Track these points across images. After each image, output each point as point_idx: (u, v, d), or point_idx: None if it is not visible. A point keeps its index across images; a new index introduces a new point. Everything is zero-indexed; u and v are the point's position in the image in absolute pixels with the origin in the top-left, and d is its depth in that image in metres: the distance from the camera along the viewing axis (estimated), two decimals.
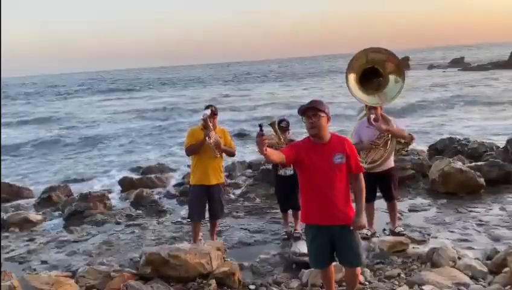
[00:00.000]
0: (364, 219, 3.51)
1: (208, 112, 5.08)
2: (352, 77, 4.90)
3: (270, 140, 5.35)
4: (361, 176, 3.54)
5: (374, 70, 4.91)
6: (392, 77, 4.89)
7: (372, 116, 5.12)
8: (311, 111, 3.38)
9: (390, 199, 5.47)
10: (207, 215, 5.53)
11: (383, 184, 5.38)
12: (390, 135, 5.15)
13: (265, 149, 3.12)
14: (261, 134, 3.05)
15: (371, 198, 5.42)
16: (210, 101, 30.85)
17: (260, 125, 3.08)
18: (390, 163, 5.33)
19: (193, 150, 5.20)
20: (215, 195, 5.31)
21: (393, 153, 5.34)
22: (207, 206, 5.40)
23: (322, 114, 3.37)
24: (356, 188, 3.54)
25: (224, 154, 5.40)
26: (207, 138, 5.05)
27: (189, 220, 5.85)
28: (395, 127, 5.17)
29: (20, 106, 37.37)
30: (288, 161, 3.45)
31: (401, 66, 4.99)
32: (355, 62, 4.89)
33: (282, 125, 5.37)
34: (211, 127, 5.09)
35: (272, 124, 5.18)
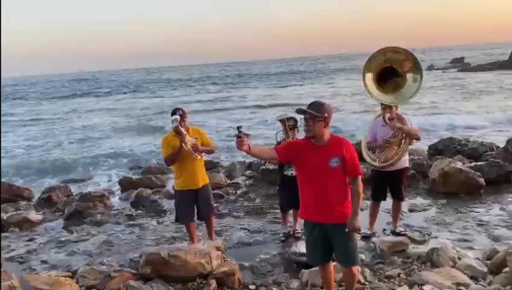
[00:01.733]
0: (359, 222, 3.45)
1: (178, 117, 4.92)
2: (369, 75, 4.87)
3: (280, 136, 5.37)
4: (359, 179, 3.53)
5: (391, 70, 4.86)
6: (410, 76, 4.83)
7: (387, 115, 5.12)
8: (309, 114, 3.38)
9: (399, 198, 5.46)
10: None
11: (394, 183, 5.36)
12: (404, 134, 5.14)
13: (248, 148, 3.18)
14: (239, 135, 3.10)
15: (380, 197, 5.41)
16: (209, 102, 30.80)
17: (238, 128, 3.14)
18: (405, 163, 5.32)
19: (172, 159, 5.05)
20: (203, 196, 5.26)
21: (407, 152, 5.33)
22: (195, 208, 5.33)
23: (319, 118, 3.37)
24: (353, 191, 3.53)
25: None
26: (183, 144, 4.94)
27: (178, 222, 5.69)
28: (409, 127, 5.16)
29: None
30: (281, 158, 3.54)
31: (419, 65, 4.92)
32: (373, 61, 4.85)
33: (289, 123, 5.37)
34: (184, 132, 4.97)
35: (282, 121, 5.17)
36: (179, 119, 4.91)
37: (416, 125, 5.38)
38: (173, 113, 5.01)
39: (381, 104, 5.13)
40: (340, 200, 3.46)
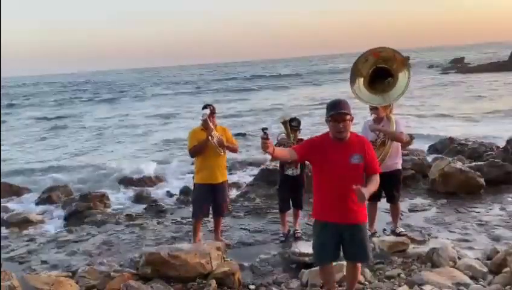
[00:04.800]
0: (368, 194, 3.36)
1: (207, 111, 5.11)
2: (358, 78, 4.73)
3: (282, 139, 5.37)
4: (377, 176, 3.54)
5: (382, 71, 4.73)
6: (401, 75, 4.69)
7: (373, 116, 5.11)
8: (341, 116, 3.35)
9: (392, 200, 5.46)
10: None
11: (386, 185, 5.35)
12: (386, 136, 5.12)
13: (273, 150, 3.17)
14: (265, 137, 3.09)
15: (374, 198, 5.41)
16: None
17: (264, 129, 3.13)
18: (397, 165, 5.29)
19: (197, 151, 5.22)
20: (221, 193, 5.37)
21: (398, 155, 5.29)
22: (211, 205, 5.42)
23: (349, 117, 3.38)
24: (371, 179, 3.50)
25: (227, 151, 5.42)
26: (210, 137, 5.09)
27: (191, 218, 5.77)
28: (393, 129, 5.12)
29: None
30: (300, 157, 3.52)
31: (408, 64, 4.83)
32: (362, 63, 4.71)
33: (292, 125, 5.35)
34: (212, 126, 5.13)
35: (284, 123, 5.19)
36: (208, 113, 5.10)
37: (404, 128, 5.34)
38: (204, 108, 5.23)
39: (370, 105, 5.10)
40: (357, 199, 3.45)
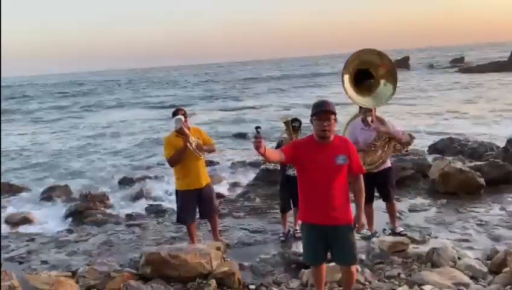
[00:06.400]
0: (364, 219, 3.56)
1: (182, 117, 4.92)
2: (346, 78, 4.78)
3: (286, 140, 5.37)
4: (361, 176, 3.56)
5: (366, 72, 4.79)
6: (382, 80, 4.76)
7: (369, 118, 5.11)
8: (327, 114, 3.35)
9: (388, 199, 5.46)
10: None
11: (380, 184, 5.37)
12: (388, 137, 5.13)
13: (264, 150, 3.14)
14: (257, 136, 3.07)
15: (368, 198, 5.41)
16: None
17: (257, 128, 3.11)
18: (387, 163, 5.32)
19: (176, 159, 5.02)
20: (207, 196, 5.27)
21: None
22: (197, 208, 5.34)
23: (334, 117, 3.38)
24: (356, 189, 3.56)
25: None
26: (188, 144, 4.95)
27: (180, 223, 5.68)
28: (392, 129, 5.14)
29: None
30: (287, 159, 3.49)
31: (394, 69, 4.82)
32: (350, 64, 4.78)
33: (294, 125, 5.35)
34: (188, 132, 4.98)
35: (286, 123, 5.20)
36: (183, 120, 4.91)
37: (399, 127, 5.34)
38: (175, 114, 5.02)
39: (360, 107, 5.09)
40: (343, 200, 3.46)
